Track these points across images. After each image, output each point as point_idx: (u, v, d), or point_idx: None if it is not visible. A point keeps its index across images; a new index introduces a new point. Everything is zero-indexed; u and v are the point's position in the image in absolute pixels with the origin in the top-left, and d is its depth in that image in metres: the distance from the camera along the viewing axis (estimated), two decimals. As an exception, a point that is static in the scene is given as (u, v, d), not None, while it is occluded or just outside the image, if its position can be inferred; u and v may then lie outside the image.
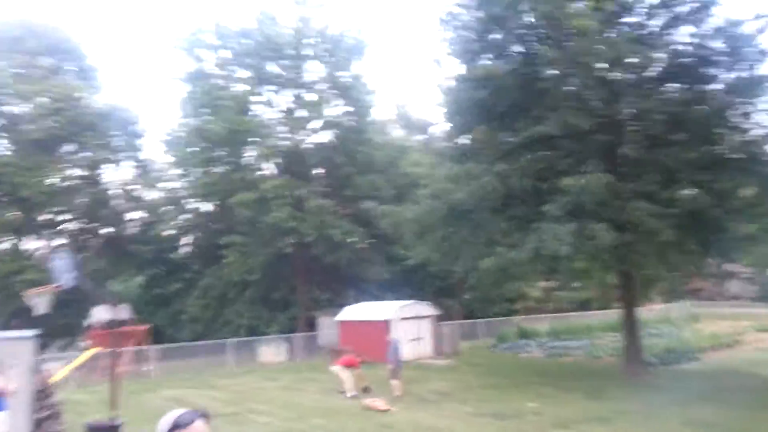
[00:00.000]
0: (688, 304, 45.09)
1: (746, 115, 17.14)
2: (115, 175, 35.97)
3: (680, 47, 17.69)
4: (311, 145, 32.26)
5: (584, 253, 15.51)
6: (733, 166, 16.88)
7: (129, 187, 36.27)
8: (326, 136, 32.77)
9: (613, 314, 38.97)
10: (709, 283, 53.23)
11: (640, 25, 17.97)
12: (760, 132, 17.33)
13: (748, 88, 16.39)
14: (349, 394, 15.73)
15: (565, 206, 15.61)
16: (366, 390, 16.20)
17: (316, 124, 31.89)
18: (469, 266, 19.46)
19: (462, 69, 19.20)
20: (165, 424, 2.64)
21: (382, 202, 29.72)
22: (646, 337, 31.12)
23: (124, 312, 27.95)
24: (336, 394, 16.23)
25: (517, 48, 18.45)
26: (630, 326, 19.42)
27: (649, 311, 42.51)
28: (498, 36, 18.23)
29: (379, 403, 14.09)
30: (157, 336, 27.05)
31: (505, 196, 17.26)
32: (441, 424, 12.17)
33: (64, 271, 7.93)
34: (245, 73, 31.41)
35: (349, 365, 16.44)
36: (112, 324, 25.00)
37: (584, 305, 44.08)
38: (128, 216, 36.73)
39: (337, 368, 16.47)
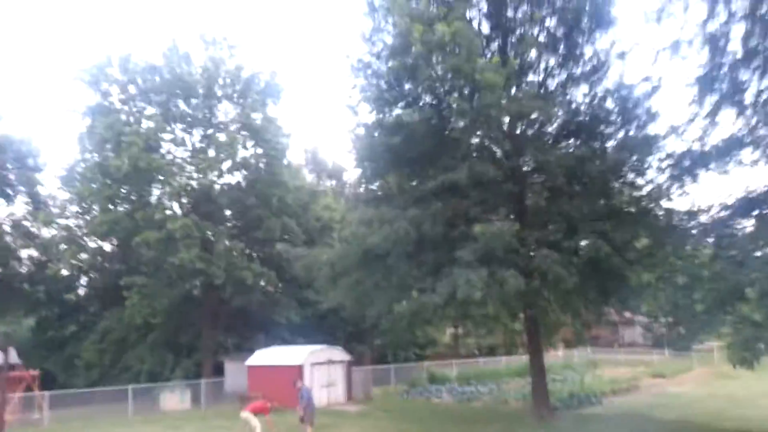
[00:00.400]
0: (588, 350, 47.02)
1: (638, 171, 18.43)
2: (6, 210, 33.81)
3: (577, 106, 19.01)
4: (221, 186, 31.53)
5: (494, 298, 15.95)
6: (628, 218, 18.08)
7: (22, 224, 34.05)
8: (237, 177, 32.22)
9: (519, 360, 40.18)
10: (607, 331, 56.04)
11: (541, 84, 19.21)
12: (650, 188, 18.68)
13: (638, 147, 17.65)
14: (259, 442, 15.20)
15: (476, 252, 16.08)
16: (276, 437, 15.75)
17: (227, 164, 31.26)
18: (382, 310, 19.53)
19: (374, 116, 19.66)
20: None
21: (294, 246, 29.48)
22: (550, 382, 32.12)
23: (11, 356, 25.92)
24: (245, 443, 15.63)
25: (428, 98, 19.10)
26: (536, 371, 20.03)
27: (552, 357, 43.99)
28: (409, 86, 18.84)
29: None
30: (49, 383, 25.25)
31: (417, 242, 17.57)
32: (355, 471, 11.96)
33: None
34: (152, 110, 30.45)
35: (259, 411, 15.90)
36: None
37: (491, 351, 45.14)
38: (19, 254, 34.36)
39: (246, 414, 15.87)
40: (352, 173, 46.11)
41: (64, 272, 34.42)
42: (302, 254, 21.48)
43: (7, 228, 33.67)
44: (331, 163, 51.04)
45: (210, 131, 30.79)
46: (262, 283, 30.55)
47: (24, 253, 34.83)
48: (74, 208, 33.78)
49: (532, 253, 16.83)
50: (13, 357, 25.32)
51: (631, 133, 18.12)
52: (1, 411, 7.84)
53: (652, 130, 18.03)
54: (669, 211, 18.22)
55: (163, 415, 22.21)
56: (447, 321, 24.07)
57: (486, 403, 24.66)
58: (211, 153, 30.42)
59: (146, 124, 29.86)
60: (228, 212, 32.89)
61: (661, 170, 18.33)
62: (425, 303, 16.40)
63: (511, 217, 18.29)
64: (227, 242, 29.09)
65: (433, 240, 18.10)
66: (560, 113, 19.09)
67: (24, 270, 34.83)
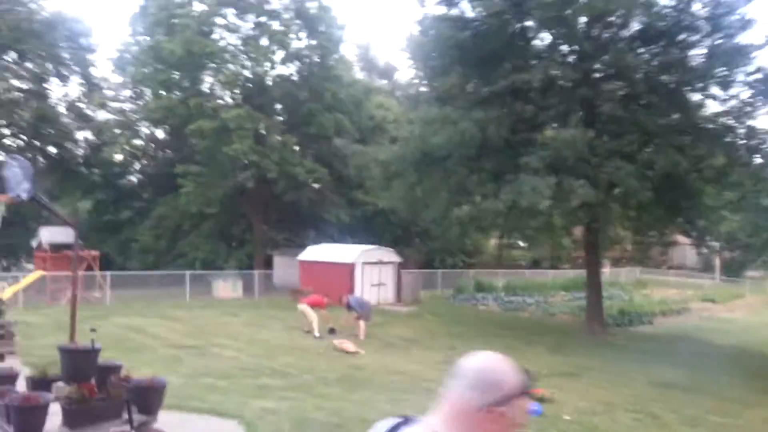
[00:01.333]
0: (636, 270, 46.47)
1: (722, 84, 17.05)
2: (61, 91, 33.86)
3: (659, 9, 17.29)
4: (274, 78, 30.76)
5: (561, 208, 15.32)
6: (706, 134, 16.94)
7: (77, 105, 34.19)
8: (290, 69, 31.34)
9: (564, 274, 40.00)
10: (656, 251, 55.07)
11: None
12: (733, 103, 17.36)
13: (725, 58, 16.18)
14: (316, 334, 15.38)
15: (544, 159, 15.31)
16: (331, 331, 15.88)
17: (280, 55, 30.31)
18: (438, 215, 19.18)
19: (440, 8, 18.48)
20: (501, 377, 1.44)
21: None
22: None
23: (72, 235, 26.75)
24: (301, 333, 15.84)
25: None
26: (592, 286, 19.62)
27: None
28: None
29: (348, 344, 13.77)
30: (106, 264, 26.05)
31: (480, 146, 16.86)
32: (413, 370, 11.96)
33: (20, 181, 6.93)
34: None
35: (315, 305, 16.02)
36: (61, 246, 24.05)
37: (536, 263, 45.05)
38: (75, 136, 34.76)
39: (303, 307, 16.02)
40: (404, 73, 44.70)
41: (119, 157, 34.95)
42: (358, 151, 20.89)
43: (62, 110, 33.91)
44: (383, 62, 49.55)
45: (263, 19, 29.66)
46: (315, 178, 30.28)
47: (80, 136, 35.21)
48: (127, 93, 33.74)
49: (602, 164, 15.90)
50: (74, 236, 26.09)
51: (719, 42, 16.58)
52: (75, 285, 7.81)
53: (742, 39, 16.53)
54: (752, 129, 17.03)
55: (217, 302, 22.83)
56: (504, 229, 23.41)
57: (533, 315, 24.65)
58: (264, 42, 29.49)
59: (198, 7, 28.97)
60: (280, 106, 32.29)
61: (747, 85, 17.02)
62: (486, 209, 15.87)
63: (583, 124, 17.23)
64: (279, 137, 28.70)
65: (497, 145, 17.41)
66: (640, 17, 17.55)
67: (80, 152, 35.38)
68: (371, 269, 23.79)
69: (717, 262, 53.59)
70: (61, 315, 17.54)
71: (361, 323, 15.63)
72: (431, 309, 23.47)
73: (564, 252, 47.48)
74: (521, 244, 45.68)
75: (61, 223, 23.97)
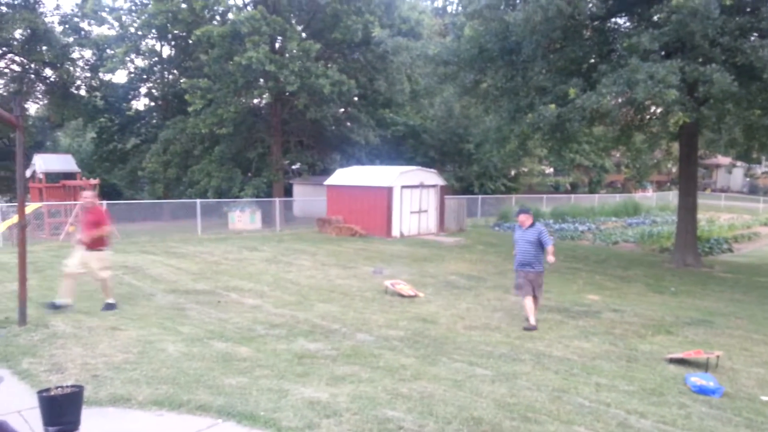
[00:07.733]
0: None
1: None
2: (53, 3, 30.12)
3: None
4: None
5: (685, 102, 11.67)
6: None
7: (72, 20, 30.51)
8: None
9: (607, 198, 36.78)
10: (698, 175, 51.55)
11: None
12: None
13: None
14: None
15: (660, 38, 11.55)
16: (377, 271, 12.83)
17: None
18: (499, 124, 15.70)
19: None
20: None
21: (378, 52, 25.32)
22: (649, 224, 28.78)
23: (69, 163, 23.73)
24: (339, 270, 12.79)
25: None
26: (687, 210, 16.16)
27: (644, 198, 40.37)
28: None
29: (402, 285, 10.68)
30: (114, 197, 23.13)
31: (564, 28, 13.14)
32: (498, 321, 8.88)
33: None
34: None
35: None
36: (58, 175, 21.12)
37: (573, 188, 42.16)
38: (72, 54, 31.20)
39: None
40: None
41: (122, 78, 31.58)
42: (403, 45, 16.94)
43: (57, 26, 30.32)
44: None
45: None
46: (338, 96, 26.51)
47: (77, 54, 31.71)
48: (126, 5, 29.97)
49: (735, 44, 11.99)
50: (72, 165, 23.16)
51: None
52: (21, 214, 4.81)
53: None
54: None
55: (235, 235, 19.84)
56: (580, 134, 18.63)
57: (593, 243, 21.57)
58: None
59: None
60: (298, 11, 28.04)
61: None
62: (582, 107, 12.22)
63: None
64: (301, 42, 24.59)
65: (586, 26, 13.73)
66: None
67: (79, 74, 32.02)
68: (411, 194, 20.50)
69: None
70: (51, 252, 14.68)
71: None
72: (480, 239, 20.32)
73: (604, 176, 44.29)
74: (547, 170, 42.75)
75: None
